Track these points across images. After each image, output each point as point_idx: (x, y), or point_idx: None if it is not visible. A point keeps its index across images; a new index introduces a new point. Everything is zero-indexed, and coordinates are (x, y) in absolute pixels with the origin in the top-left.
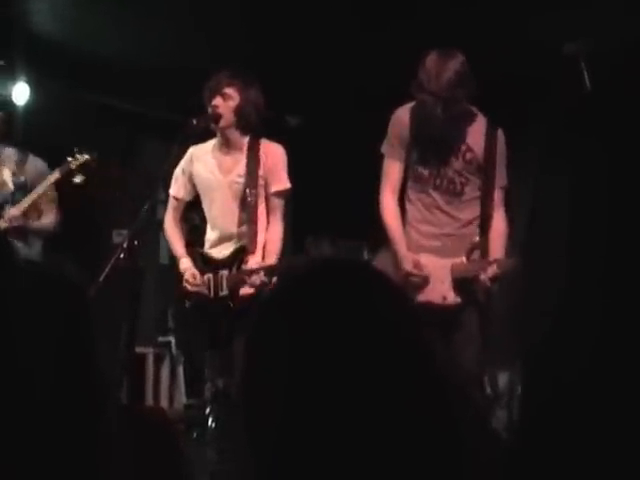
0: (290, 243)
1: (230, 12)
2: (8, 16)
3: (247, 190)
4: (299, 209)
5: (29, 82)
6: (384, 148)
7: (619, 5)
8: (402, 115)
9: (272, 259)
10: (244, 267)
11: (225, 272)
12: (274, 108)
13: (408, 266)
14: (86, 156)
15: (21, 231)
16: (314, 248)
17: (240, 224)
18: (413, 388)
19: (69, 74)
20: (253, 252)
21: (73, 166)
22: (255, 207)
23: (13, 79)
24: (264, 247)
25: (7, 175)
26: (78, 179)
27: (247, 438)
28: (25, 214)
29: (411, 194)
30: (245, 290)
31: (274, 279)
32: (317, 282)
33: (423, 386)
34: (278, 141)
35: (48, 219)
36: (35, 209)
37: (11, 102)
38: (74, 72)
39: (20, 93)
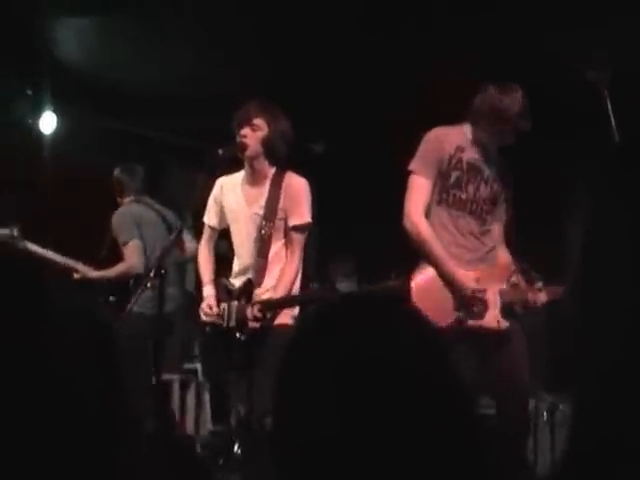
0: (314, 268)
1: (252, 40)
2: (35, 46)
3: (263, 222)
4: (323, 235)
5: (56, 111)
6: (414, 165)
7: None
8: (444, 136)
9: (278, 293)
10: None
11: (235, 303)
12: (297, 135)
13: (472, 284)
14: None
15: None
16: (337, 273)
17: (254, 256)
18: (444, 419)
19: (95, 103)
20: (259, 285)
21: None
22: (269, 240)
23: (40, 108)
24: (278, 280)
25: None
26: None
27: (276, 465)
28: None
29: (444, 218)
30: (252, 323)
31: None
32: (349, 315)
33: (453, 417)
34: (301, 168)
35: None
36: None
37: (38, 131)
38: (100, 101)
39: (47, 122)
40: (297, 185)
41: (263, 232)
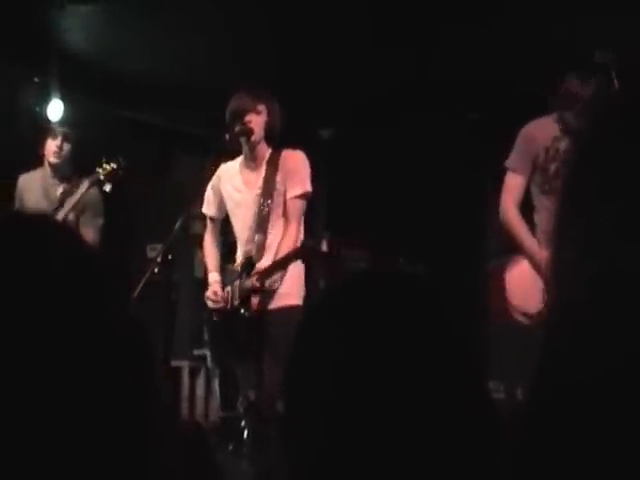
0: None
1: (260, 27)
2: (42, 33)
3: (261, 200)
4: (333, 219)
5: (63, 99)
6: (509, 162)
7: None
8: (538, 129)
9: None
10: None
11: (237, 282)
12: (306, 121)
13: None
14: (113, 165)
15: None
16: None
17: (255, 232)
18: (459, 404)
19: (102, 90)
20: (259, 260)
21: (101, 176)
22: (267, 217)
23: (47, 96)
24: (277, 249)
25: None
26: (107, 188)
27: (286, 448)
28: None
29: (549, 205)
30: (256, 297)
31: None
32: (366, 292)
33: (470, 402)
34: (311, 154)
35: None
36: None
37: (46, 118)
38: (107, 88)
39: (54, 110)
40: (293, 158)
41: (262, 209)
